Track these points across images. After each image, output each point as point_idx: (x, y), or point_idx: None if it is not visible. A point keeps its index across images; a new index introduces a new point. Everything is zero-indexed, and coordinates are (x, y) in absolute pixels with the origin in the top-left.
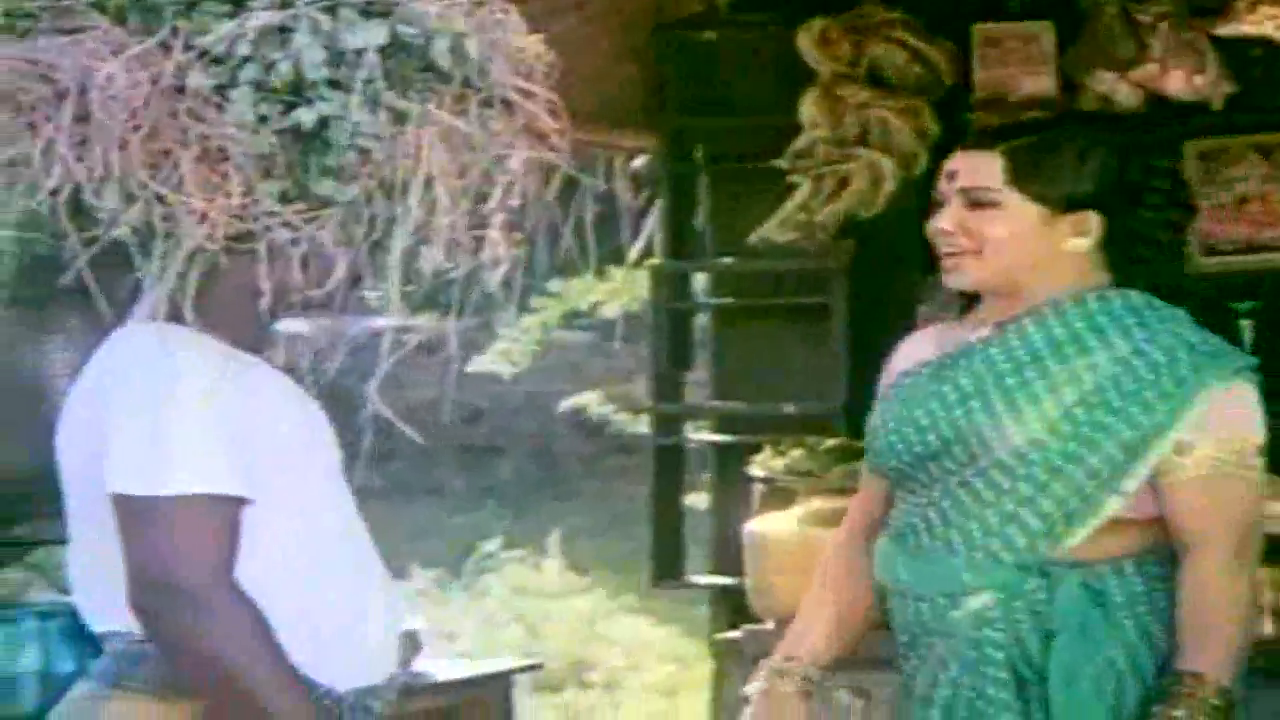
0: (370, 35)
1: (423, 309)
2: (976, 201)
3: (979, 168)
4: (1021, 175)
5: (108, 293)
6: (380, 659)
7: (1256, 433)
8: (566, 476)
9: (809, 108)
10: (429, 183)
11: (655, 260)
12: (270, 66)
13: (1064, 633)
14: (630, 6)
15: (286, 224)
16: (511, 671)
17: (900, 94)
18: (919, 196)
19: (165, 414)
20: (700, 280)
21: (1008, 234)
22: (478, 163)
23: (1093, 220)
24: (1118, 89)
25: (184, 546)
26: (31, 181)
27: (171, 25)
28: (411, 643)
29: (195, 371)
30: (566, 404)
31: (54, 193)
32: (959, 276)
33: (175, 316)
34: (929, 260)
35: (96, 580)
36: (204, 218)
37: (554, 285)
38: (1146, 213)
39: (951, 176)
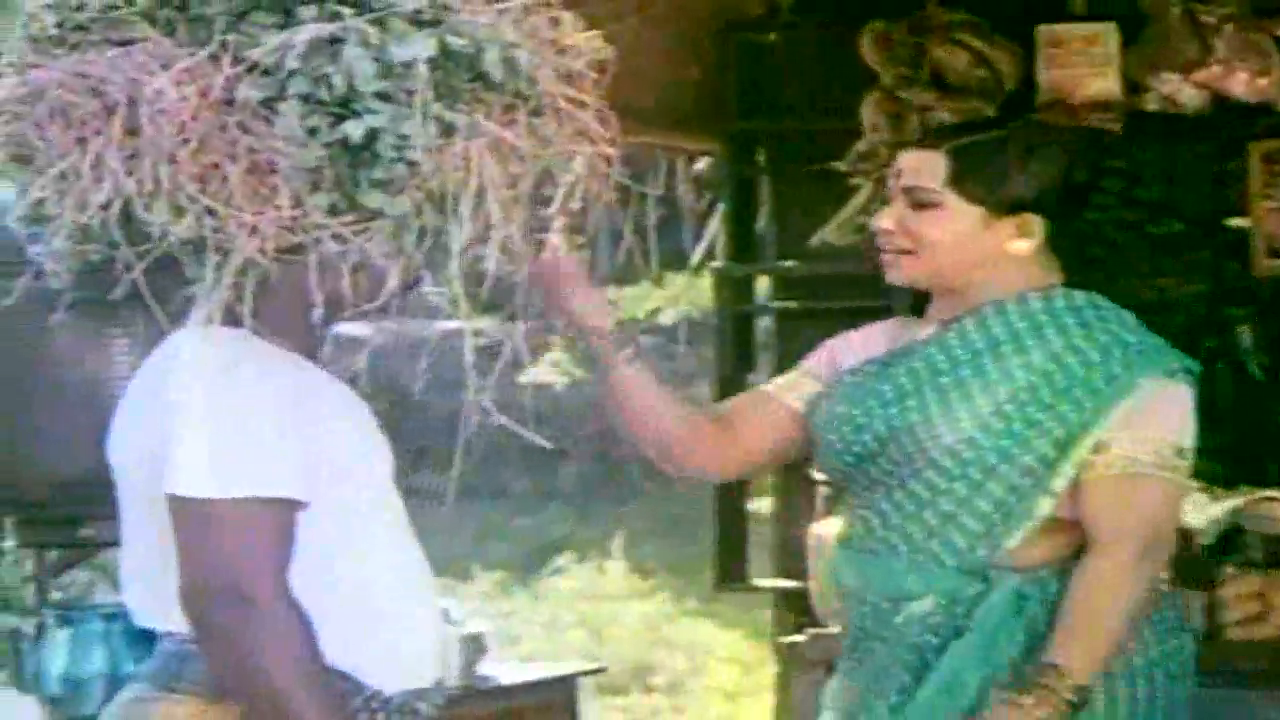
0: (420, 47)
1: (485, 312)
2: (918, 201)
3: (921, 168)
4: (962, 177)
5: (164, 298)
6: (427, 662)
7: (1181, 435)
8: (629, 479)
9: (870, 111)
10: (480, 194)
11: (718, 263)
12: (319, 79)
13: (973, 633)
14: (693, 9)
15: (336, 236)
16: (576, 675)
17: (962, 96)
18: None
19: (222, 417)
20: (763, 283)
21: (946, 235)
22: (528, 173)
23: (1035, 222)
24: (1182, 90)
25: (240, 550)
26: (82, 195)
27: (221, 39)
28: (476, 646)
29: (251, 375)
30: None
31: (104, 206)
32: (895, 274)
33: (231, 322)
34: None
35: (150, 580)
36: (253, 230)
37: (610, 293)
38: (1093, 214)
39: (898, 175)
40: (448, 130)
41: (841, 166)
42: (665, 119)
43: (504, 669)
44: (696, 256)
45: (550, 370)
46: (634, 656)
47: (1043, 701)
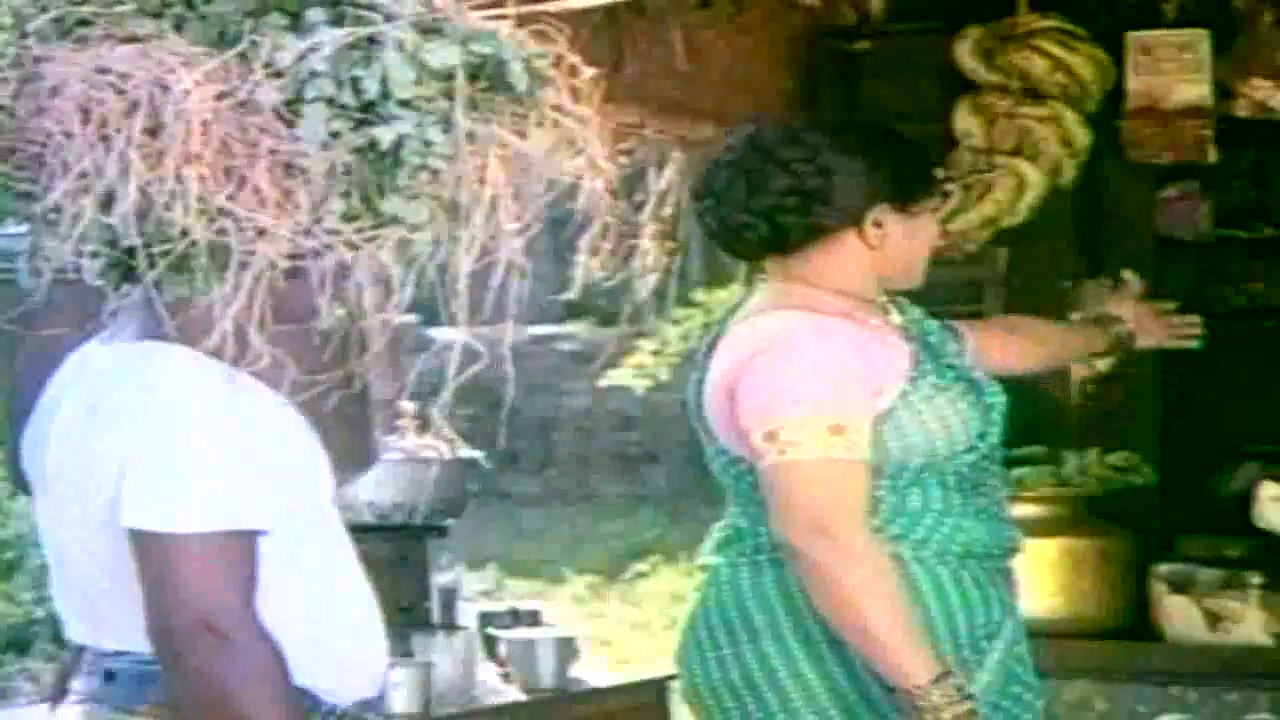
0: (451, 54)
1: (574, 318)
2: None
3: None
4: None
5: (85, 308)
6: (376, 673)
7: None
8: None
9: (962, 117)
10: (493, 203)
11: None
12: (346, 83)
13: None
14: (785, 17)
15: (347, 242)
16: (667, 678)
17: (1043, 102)
18: (1071, 204)
19: (181, 446)
20: None
21: None
22: (532, 184)
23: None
24: (1273, 96)
25: (211, 587)
26: (106, 193)
27: (251, 40)
28: (568, 649)
29: (208, 401)
30: None
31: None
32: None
33: (160, 337)
34: (1081, 266)
35: (93, 600)
36: (267, 234)
37: (699, 295)
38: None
39: None
40: (471, 139)
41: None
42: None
43: (595, 672)
44: None
45: (632, 374)
46: None
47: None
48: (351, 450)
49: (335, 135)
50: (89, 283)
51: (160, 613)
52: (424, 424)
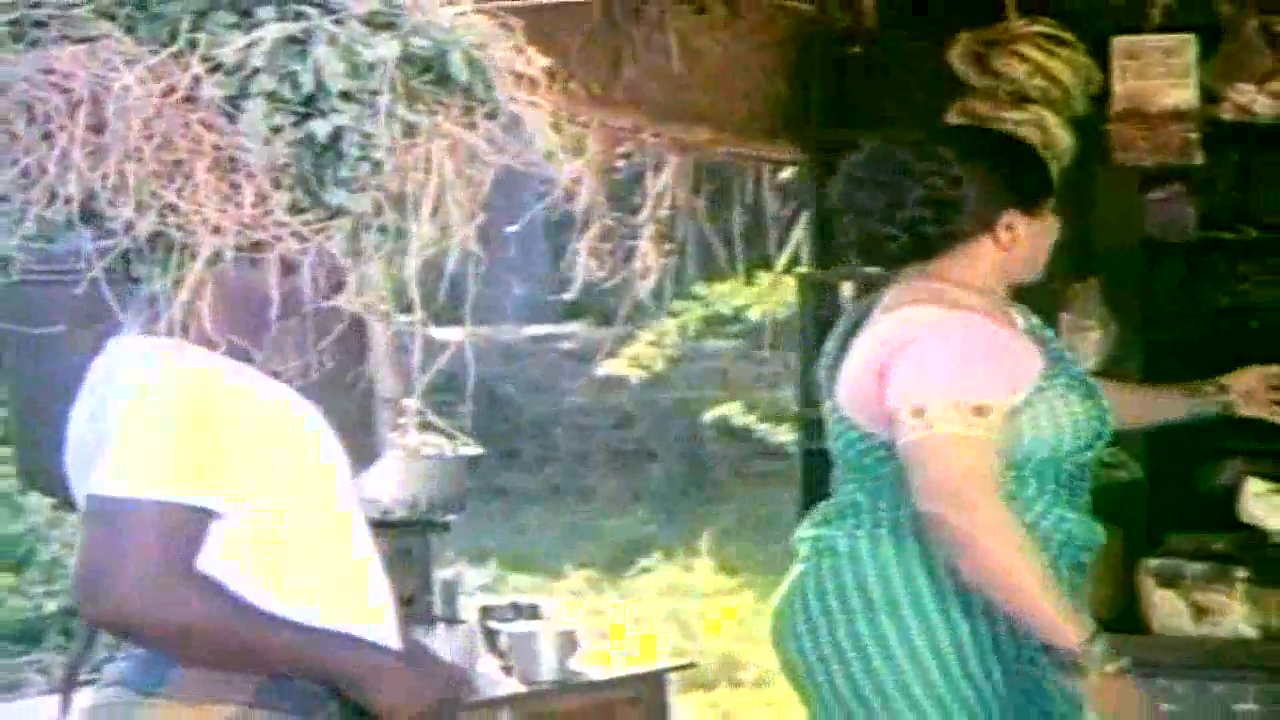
0: (387, 48)
1: (571, 317)
2: None
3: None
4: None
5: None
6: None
7: None
8: (715, 480)
9: (953, 120)
10: (440, 194)
11: (803, 269)
12: (285, 77)
13: None
14: (778, 23)
15: (296, 234)
16: (665, 670)
17: (1025, 106)
18: (1059, 206)
19: (135, 423)
20: (848, 289)
21: None
22: (485, 176)
23: None
24: (1257, 100)
25: (124, 544)
26: (48, 189)
27: (189, 37)
28: (567, 641)
29: (167, 386)
30: (712, 414)
31: (68, 200)
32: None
33: (176, 329)
34: (1070, 268)
35: None
36: (216, 228)
37: (698, 289)
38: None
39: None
40: (410, 131)
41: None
42: (753, 129)
43: (594, 664)
44: (781, 262)
45: (627, 364)
46: (722, 652)
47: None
48: (355, 447)
49: (276, 130)
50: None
51: (83, 575)
52: (427, 422)
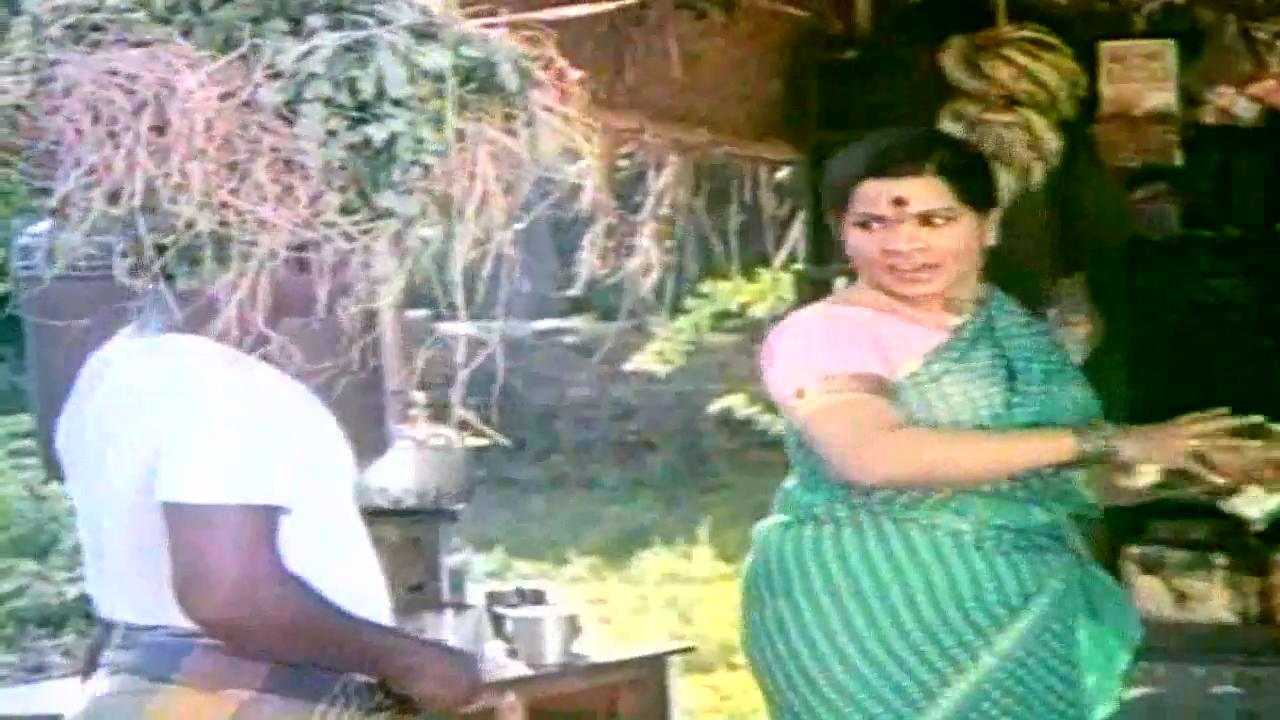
0: (444, 57)
1: (577, 312)
2: (933, 221)
3: (924, 192)
4: (967, 189)
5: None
6: None
7: None
8: (714, 470)
9: (944, 124)
10: (483, 198)
11: (799, 266)
12: (343, 84)
13: None
14: (776, 29)
15: (344, 234)
16: (665, 654)
17: (1013, 109)
18: (1047, 205)
19: (207, 427)
20: (841, 284)
21: (962, 244)
22: (522, 180)
23: (994, 216)
24: (1237, 103)
25: (239, 553)
26: (114, 187)
27: (253, 43)
28: (571, 626)
29: (231, 387)
30: (716, 407)
31: (132, 198)
32: (922, 287)
33: (231, 328)
34: (1057, 265)
35: (136, 576)
36: (273, 227)
37: (704, 288)
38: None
39: (901, 203)
40: (459, 136)
41: None
42: (750, 131)
43: (597, 648)
44: (778, 260)
45: (653, 358)
46: (720, 636)
47: None
48: (366, 438)
49: (332, 133)
50: (119, 280)
51: (191, 580)
52: (435, 413)
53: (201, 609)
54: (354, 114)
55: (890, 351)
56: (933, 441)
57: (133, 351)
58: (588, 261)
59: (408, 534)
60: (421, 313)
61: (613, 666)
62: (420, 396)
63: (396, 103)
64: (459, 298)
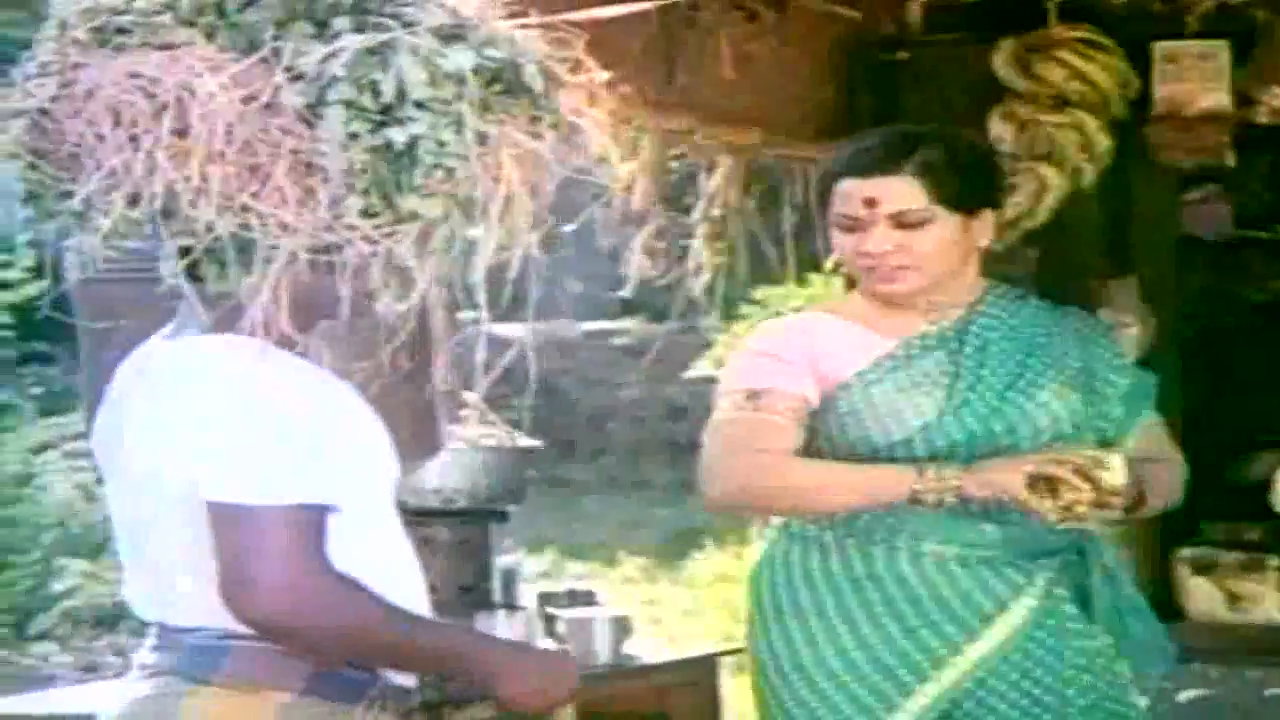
0: (465, 58)
1: (627, 314)
2: (907, 222)
3: (899, 192)
4: (944, 190)
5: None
6: None
7: None
8: None
9: (994, 124)
10: (508, 201)
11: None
12: (365, 86)
13: None
14: (827, 30)
15: (366, 237)
16: (717, 655)
17: (1065, 109)
18: (1099, 206)
19: (253, 427)
20: None
21: (939, 245)
22: (548, 184)
23: (992, 217)
24: None
25: (288, 554)
26: (135, 189)
27: (273, 46)
28: (622, 627)
29: (274, 388)
30: None
31: (153, 201)
32: (898, 288)
33: (259, 329)
34: (1108, 266)
35: (176, 577)
36: (294, 230)
37: (758, 293)
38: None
39: (872, 203)
40: (481, 139)
41: None
42: (802, 132)
43: (648, 649)
44: (829, 262)
45: (712, 364)
46: None
47: None
48: (418, 439)
49: (354, 136)
50: (167, 282)
51: (241, 581)
52: (485, 414)
53: (251, 610)
54: (376, 117)
55: (838, 360)
56: (783, 470)
57: (171, 352)
58: (639, 263)
59: (459, 535)
60: (483, 318)
61: (664, 668)
62: (471, 397)
63: (419, 105)
64: (482, 299)
